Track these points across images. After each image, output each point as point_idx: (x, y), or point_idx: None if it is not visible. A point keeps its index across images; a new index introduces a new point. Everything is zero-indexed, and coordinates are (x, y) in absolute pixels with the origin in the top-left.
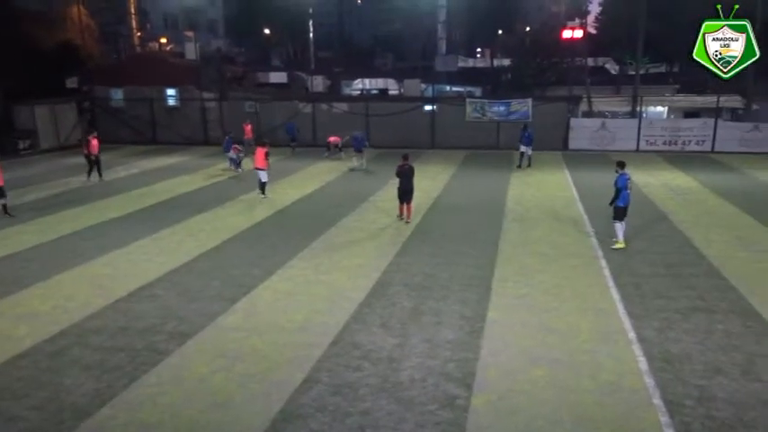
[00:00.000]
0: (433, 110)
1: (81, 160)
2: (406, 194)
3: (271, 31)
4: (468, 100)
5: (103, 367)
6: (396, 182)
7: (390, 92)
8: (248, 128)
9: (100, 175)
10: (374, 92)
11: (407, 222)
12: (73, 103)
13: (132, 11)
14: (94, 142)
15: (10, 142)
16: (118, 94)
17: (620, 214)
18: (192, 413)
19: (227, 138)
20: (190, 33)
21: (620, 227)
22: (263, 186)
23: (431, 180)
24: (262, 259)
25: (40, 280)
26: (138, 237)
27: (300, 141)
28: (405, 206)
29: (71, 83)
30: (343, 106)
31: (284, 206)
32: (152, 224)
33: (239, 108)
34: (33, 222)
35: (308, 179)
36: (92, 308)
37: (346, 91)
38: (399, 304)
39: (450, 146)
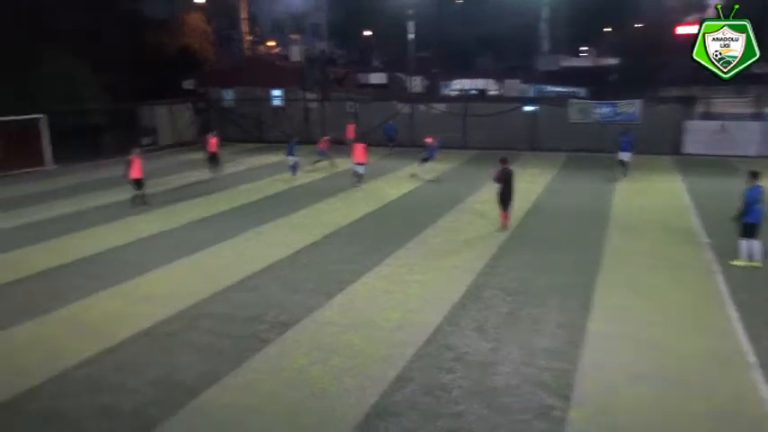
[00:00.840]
0: (533, 111)
1: (194, 156)
2: (507, 200)
3: (372, 32)
4: (570, 101)
5: (211, 351)
6: (494, 185)
7: (490, 92)
8: (351, 127)
9: (215, 169)
10: (473, 92)
11: (505, 227)
12: (189, 104)
13: (243, 16)
14: (213, 140)
15: (135, 139)
16: (229, 95)
17: (749, 231)
18: (290, 401)
19: (291, 142)
20: (295, 37)
21: (746, 245)
22: (360, 177)
23: (529, 183)
24: (359, 256)
25: (159, 266)
26: (244, 229)
27: (398, 142)
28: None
29: (187, 84)
30: (442, 107)
31: (381, 205)
32: (257, 218)
33: (340, 108)
34: (154, 212)
35: (406, 179)
36: (202, 294)
37: (445, 91)
38: (495, 308)
39: (551, 148)
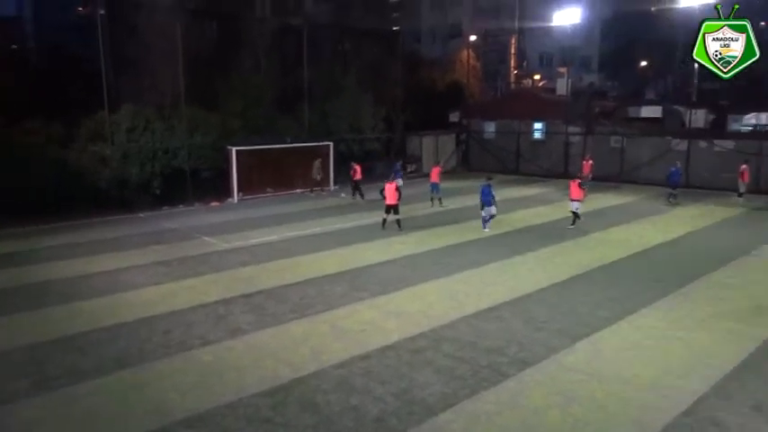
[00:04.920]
0: None
1: (455, 185)
2: None
3: (648, 63)
4: None
5: (451, 374)
6: None
7: None
8: (587, 164)
9: (357, 196)
10: None
11: None
12: (452, 135)
13: (512, 51)
14: (358, 168)
15: (402, 166)
16: (490, 128)
17: None
18: None
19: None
20: (562, 69)
21: None
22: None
23: None
24: (611, 302)
25: (410, 285)
26: (491, 260)
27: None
28: None
29: (453, 117)
30: (728, 144)
31: (642, 249)
32: (505, 250)
33: (604, 143)
34: (411, 235)
35: (675, 223)
36: (447, 318)
37: (734, 127)
38: None
39: None
